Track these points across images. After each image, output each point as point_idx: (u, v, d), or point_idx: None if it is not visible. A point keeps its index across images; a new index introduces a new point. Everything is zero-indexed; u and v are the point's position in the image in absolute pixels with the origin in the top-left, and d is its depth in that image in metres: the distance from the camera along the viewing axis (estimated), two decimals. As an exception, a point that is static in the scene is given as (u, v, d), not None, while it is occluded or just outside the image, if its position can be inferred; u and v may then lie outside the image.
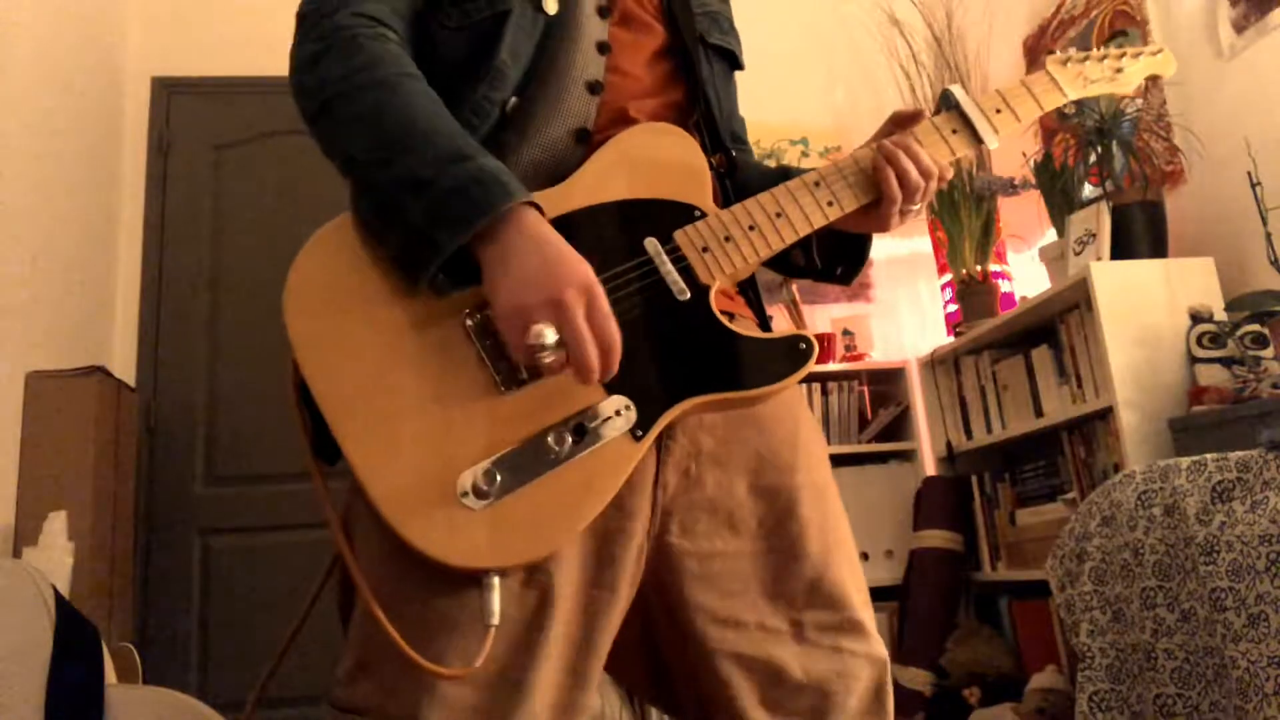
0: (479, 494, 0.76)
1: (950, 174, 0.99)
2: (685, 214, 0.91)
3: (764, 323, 1.03)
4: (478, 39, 0.92)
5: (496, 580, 0.76)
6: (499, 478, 0.76)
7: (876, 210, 0.97)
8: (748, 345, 0.87)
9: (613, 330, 0.77)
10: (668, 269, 0.87)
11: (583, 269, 0.78)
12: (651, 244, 0.88)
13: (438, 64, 0.91)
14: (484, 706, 0.78)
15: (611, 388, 0.82)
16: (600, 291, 0.78)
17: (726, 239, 0.90)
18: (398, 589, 0.78)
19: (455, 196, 0.79)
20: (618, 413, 0.81)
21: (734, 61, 1.11)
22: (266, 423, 2.94)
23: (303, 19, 0.90)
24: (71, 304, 2.69)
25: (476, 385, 0.80)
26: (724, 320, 0.88)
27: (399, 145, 0.82)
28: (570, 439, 0.79)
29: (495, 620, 0.75)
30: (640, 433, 0.81)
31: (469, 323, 0.81)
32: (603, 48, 0.96)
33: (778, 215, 0.93)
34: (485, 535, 0.76)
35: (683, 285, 0.87)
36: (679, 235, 0.89)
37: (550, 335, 0.74)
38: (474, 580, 0.76)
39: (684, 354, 0.86)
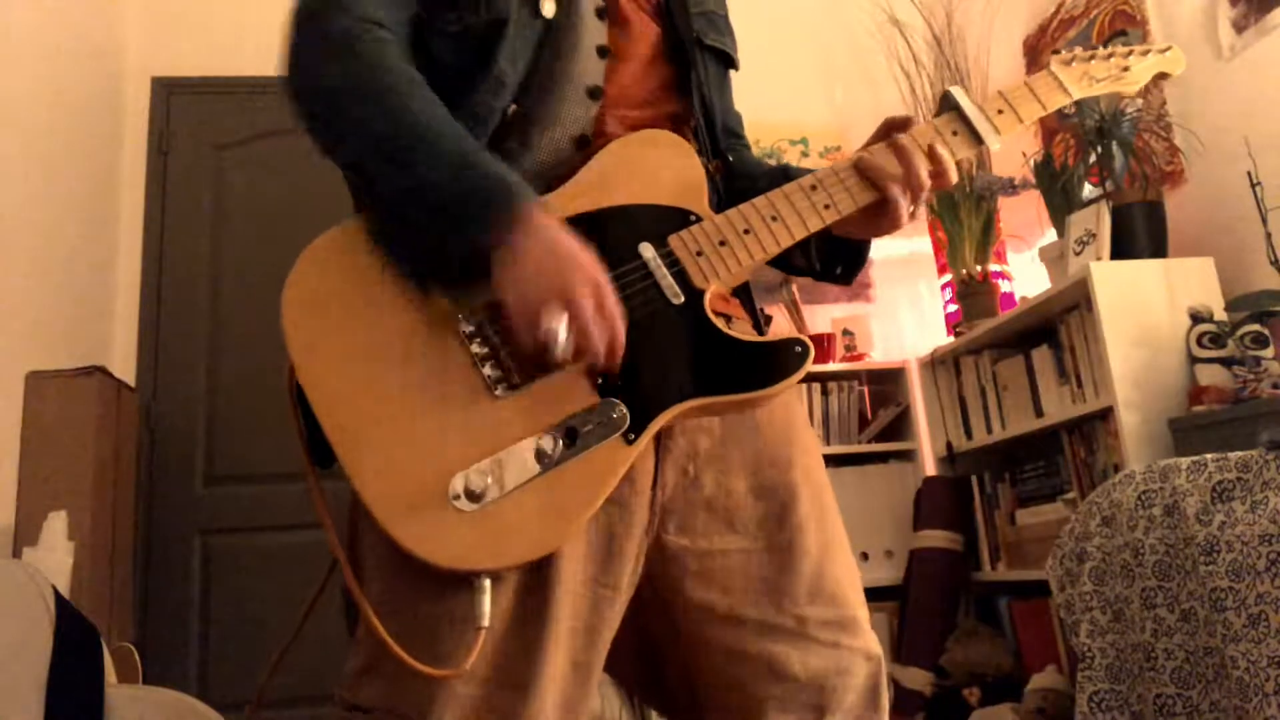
0: (471, 497, 0.76)
1: (955, 177, 0.99)
2: (681, 219, 0.91)
3: (758, 323, 1.03)
4: (476, 45, 0.92)
5: (488, 583, 0.76)
6: (491, 481, 0.77)
7: (876, 214, 0.96)
8: (742, 349, 0.88)
9: (618, 328, 0.79)
10: (662, 273, 0.88)
11: (592, 267, 0.79)
12: (646, 248, 0.88)
13: (435, 69, 0.90)
14: (494, 704, 0.78)
15: (605, 391, 0.82)
16: (609, 289, 0.79)
17: (721, 243, 0.90)
18: (404, 589, 0.79)
19: (464, 203, 0.79)
20: (610, 417, 0.81)
21: (729, 62, 1.11)
22: (266, 423, 2.94)
23: (299, 19, 0.88)
24: (71, 304, 2.69)
25: (469, 389, 0.80)
26: (719, 324, 0.88)
27: (406, 151, 0.82)
28: (562, 443, 0.79)
29: (485, 622, 0.75)
30: (633, 436, 0.81)
31: (463, 328, 0.82)
32: (602, 52, 0.95)
33: (773, 219, 0.92)
34: (476, 537, 0.76)
35: (677, 290, 0.87)
36: (673, 240, 0.90)
37: (562, 331, 0.76)
38: (469, 581, 0.77)
39: (678, 358, 0.86)
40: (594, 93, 0.94)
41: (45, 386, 2.29)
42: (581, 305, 0.77)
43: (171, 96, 3.23)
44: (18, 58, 2.37)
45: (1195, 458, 1.67)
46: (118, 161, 3.10)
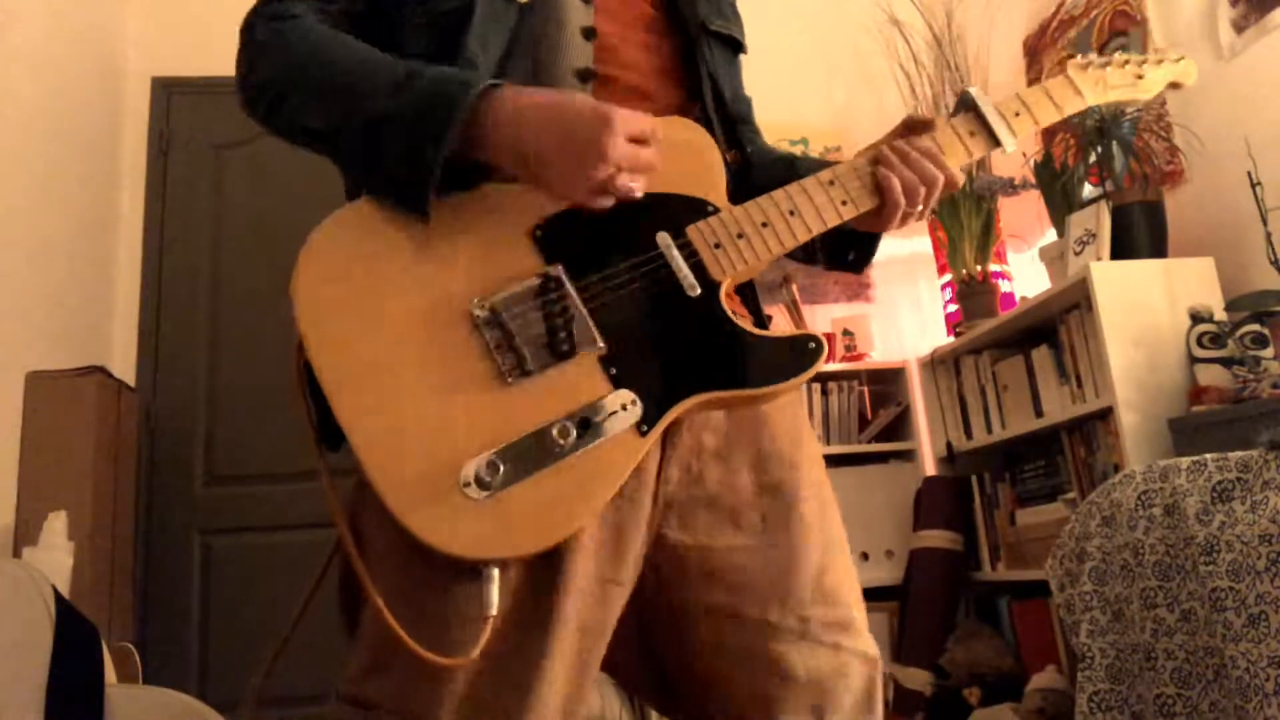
0: (481, 484, 0.75)
1: (961, 180, 0.98)
2: (699, 209, 0.91)
3: (760, 321, 1.03)
4: (443, 33, 0.92)
5: (495, 572, 0.76)
6: (502, 469, 0.76)
7: (880, 211, 0.96)
8: (756, 343, 0.87)
9: (651, 127, 0.82)
10: (679, 264, 0.87)
11: (584, 112, 0.80)
12: (663, 238, 0.88)
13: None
14: (499, 699, 0.78)
15: (618, 382, 0.81)
16: (613, 110, 0.81)
17: (739, 236, 0.90)
18: (410, 580, 0.78)
19: (421, 116, 0.81)
20: (624, 407, 0.80)
21: (736, 47, 1.10)
22: (266, 423, 2.94)
23: (240, 34, 0.94)
24: (71, 304, 2.69)
25: (483, 376, 0.79)
26: (733, 318, 0.88)
27: (349, 98, 0.84)
28: (575, 432, 0.78)
29: (493, 611, 0.75)
30: (646, 427, 0.81)
31: (477, 313, 0.81)
32: (588, 33, 0.95)
33: (791, 213, 0.92)
34: (486, 526, 0.75)
35: (693, 281, 0.87)
36: (691, 230, 0.89)
37: (635, 187, 0.81)
38: (477, 571, 0.76)
39: (692, 350, 0.85)
40: (584, 75, 0.93)
41: (45, 386, 2.29)
42: (615, 157, 0.79)
43: (171, 96, 3.22)
44: (18, 57, 2.37)
45: (1195, 458, 1.67)
46: (118, 161, 3.10)
